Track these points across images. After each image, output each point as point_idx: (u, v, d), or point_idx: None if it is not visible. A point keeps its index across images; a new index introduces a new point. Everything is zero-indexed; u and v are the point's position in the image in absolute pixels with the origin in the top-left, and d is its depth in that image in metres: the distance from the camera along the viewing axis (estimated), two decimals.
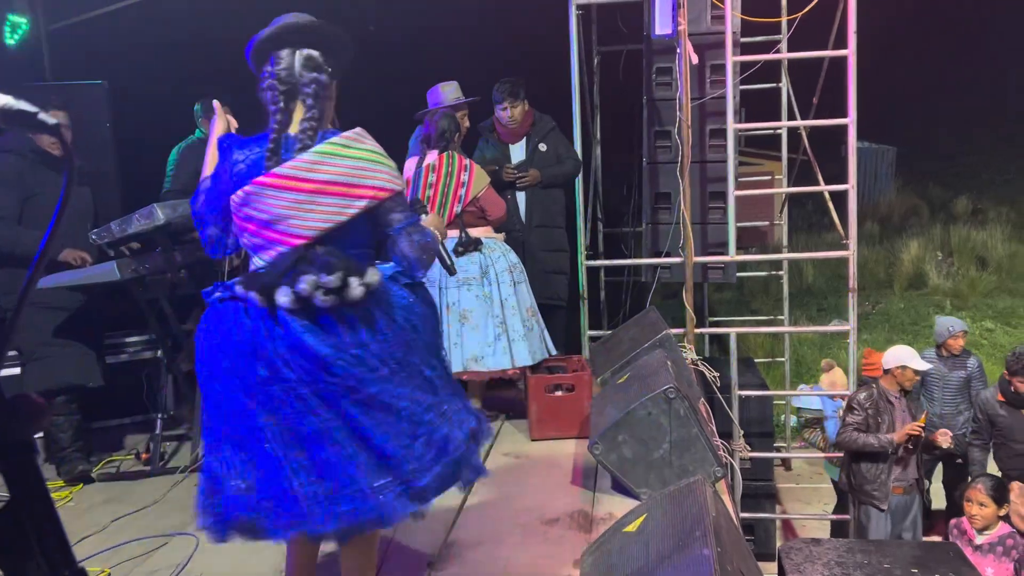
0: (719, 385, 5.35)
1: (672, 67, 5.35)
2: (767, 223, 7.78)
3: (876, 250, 16.23)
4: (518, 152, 5.28)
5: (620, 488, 3.38)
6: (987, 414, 5.34)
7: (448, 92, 4.98)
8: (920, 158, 24.45)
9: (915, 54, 27.65)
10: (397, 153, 4.76)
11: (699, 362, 5.19)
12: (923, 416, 4.87)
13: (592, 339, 5.73)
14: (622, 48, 6.82)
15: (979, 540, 4.21)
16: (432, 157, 4.47)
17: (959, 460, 5.73)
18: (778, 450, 7.30)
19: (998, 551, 4.19)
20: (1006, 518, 4.25)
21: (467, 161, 4.49)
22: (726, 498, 3.26)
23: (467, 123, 4.94)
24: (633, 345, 4.36)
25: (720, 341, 7.91)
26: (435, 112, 4.66)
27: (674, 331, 4.91)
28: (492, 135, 5.32)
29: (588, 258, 5.84)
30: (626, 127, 7.02)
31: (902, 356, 4.91)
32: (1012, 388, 5.22)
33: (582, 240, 5.77)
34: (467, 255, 4.35)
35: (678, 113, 5.13)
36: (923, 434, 4.73)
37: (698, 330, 5.45)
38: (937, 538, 5.38)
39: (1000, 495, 4.22)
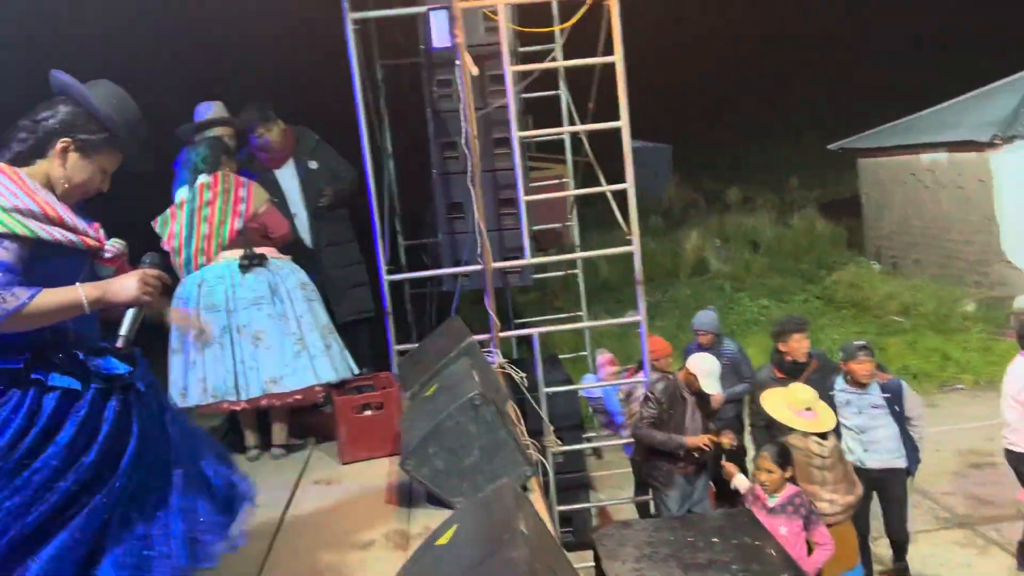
0: (527, 385, 5.48)
1: (453, 78, 5.42)
2: (560, 225, 8.07)
3: (661, 242, 17.29)
4: (287, 176, 5.15)
5: (436, 501, 3.38)
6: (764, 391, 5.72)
7: (204, 110, 4.81)
8: (694, 153, 26.32)
9: (688, 56, 29.71)
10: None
11: (506, 365, 5.29)
12: (723, 435, 5.23)
13: (400, 353, 5.70)
14: (405, 61, 6.84)
15: (771, 503, 4.57)
16: (205, 177, 4.31)
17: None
18: (588, 440, 7.57)
19: (788, 511, 4.57)
20: (792, 480, 4.64)
21: (244, 179, 4.37)
22: (538, 496, 3.34)
23: (235, 142, 4.78)
24: (439, 356, 4.37)
25: (528, 342, 8.13)
26: (198, 137, 4.51)
27: (481, 337, 4.98)
28: (252, 165, 5.13)
29: (390, 272, 5.80)
30: (419, 139, 7.05)
31: (697, 368, 5.24)
32: (786, 357, 5.69)
33: (382, 255, 5.73)
34: (254, 273, 4.20)
35: (463, 124, 5.21)
36: (711, 446, 5.13)
37: (503, 334, 5.55)
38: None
39: (784, 460, 4.60)
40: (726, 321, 12.72)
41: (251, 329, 4.14)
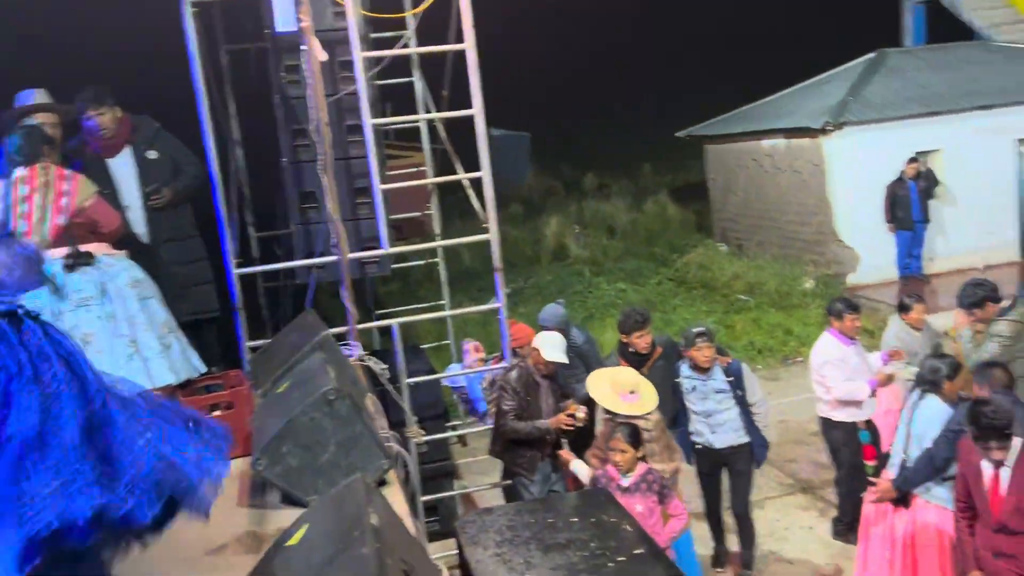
0: (388, 376, 5.42)
1: (301, 64, 5.27)
2: (420, 213, 8.00)
3: (522, 229, 17.51)
4: (121, 166, 4.87)
5: (292, 501, 3.28)
6: None
7: (24, 97, 4.48)
8: (553, 141, 26.73)
9: (543, 44, 30.06)
10: None
11: (365, 357, 5.21)
12: (571, 405, 5.33)
13: (253, 350, 5.51)
14: (251, 46, 6.59)
15: (625, 482, 4.71)
16: (21, 170, 4.00)
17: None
18: (454, 428, 7.58)
19: (642, 488, 4.73)
20: (644, 459, 4.80)
21: (68, 171, 4.08)
22: (396, 489, 3.31)
23: (60, 131, 4.47)
24: (292, 351, 4.24)
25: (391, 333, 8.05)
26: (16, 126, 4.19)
27: (340, 329, 4.88)
28: (84, 154, 4.82)
29: (239, 265, 5.59)
30: (269, 126, 6.81)
31: (538, 340, 5.32)
32: (629, 348, 5.82)
33: (230, 248, 5.51)
34: (81, 272, 3.94)
35: (313, 111, 5.07)
36: (574, 421, 5.22)
37: (361, 326, 5.46)
38: None
39: (636, 440, 4.74)
40: (585, 305, 13.06)
41: (80, 332, 3.88)
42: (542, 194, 21.67)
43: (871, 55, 14.48)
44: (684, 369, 5.66)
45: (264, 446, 3.19)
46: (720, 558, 6.04)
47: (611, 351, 6.29)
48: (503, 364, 6.00)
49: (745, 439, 5.65)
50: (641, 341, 5.79)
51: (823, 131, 12.50)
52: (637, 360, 5.76)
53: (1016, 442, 3.81)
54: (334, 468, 3.21)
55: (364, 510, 2.01)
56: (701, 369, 5.58)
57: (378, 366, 5.22)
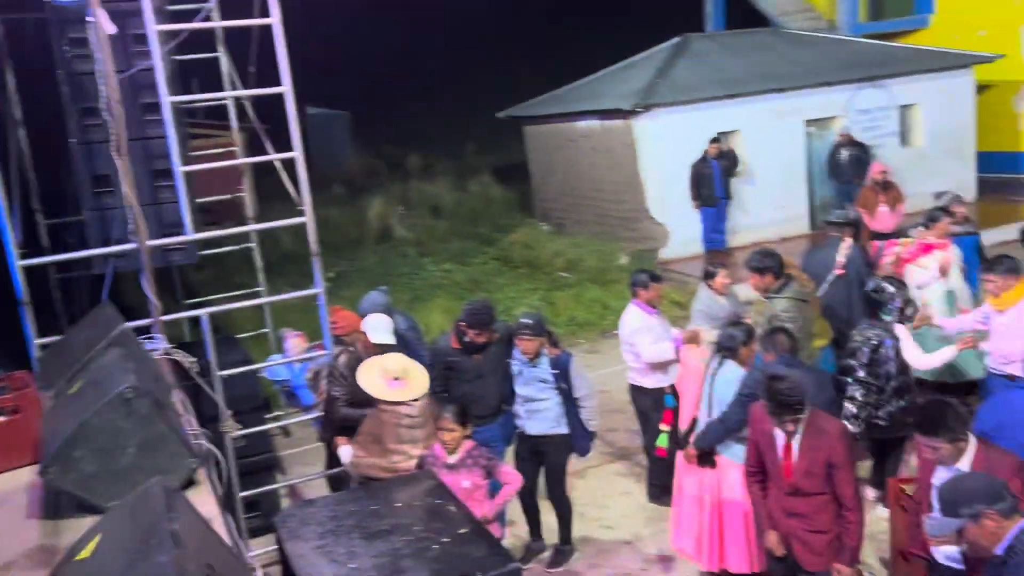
0: (198, 370, 5.15)
1: (87, 37, 4.85)
2: (231, 196, 7.63)
3: (345, 211, 17.14)
4: None
5: (88, 509, 3.04)
6: (443, 360, 5.77)
7: None
8: (374, 120, 26.31)
9: (363, 21, 29.40)
10: None
11: (171, 351, 4.92)
12: None
13: (44, 348, 5.07)
14: (29, 15, 6.00)
15: (451, 460, 4.74)
16: None
17: None
18: (276, 420, 7.33)
19: (468, 464, 4.77)
20: (469, 436, 4.84)
21: None
22: (205, 489, 3.14)
23: None
24: (86, 348, 3.93)
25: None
26: None
27: (145, 322, 4.55)
28: None
29: (25, 256, 5.11)
30: (55, 104, 6.24)
31: (365, 324, 5.20)
32: (464, 337, 5.80)
33: (12, 237, 5.02)
34: None
35: (102, 87, 4.69)
36: None
37: (165, 317, 5.15)
38: None
39: (463, 419, 4.77)
40: (412, 286, 12.98)
41: None
42: (364, 174, 21.29)
43: (676, 40, 15.20)
44: (516, 352, 5.71)
45: (54, 452, 2.94)
46: (529, 553, 6.04)
47: (439, 334, 6.24)
48: (325, 352, 5.85)
49: (562, 430, 5.71)
50: (480, 338, 5.73)
51: (633, 112, 13.01)
52: (473, 346, 5.74)
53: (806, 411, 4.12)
54: (136, 471, 3.00)
55: (163, 515, 1.88)
56: (533, 357, 5.63)
57: (186, 359, 4.96)
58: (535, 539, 6.06)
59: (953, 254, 7.11)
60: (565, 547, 6.01)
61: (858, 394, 5.63)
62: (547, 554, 6.03)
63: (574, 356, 5.82)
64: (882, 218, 10.16)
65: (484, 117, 19.50)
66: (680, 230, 13.26)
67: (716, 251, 12.91)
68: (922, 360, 5.58)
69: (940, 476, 3.62)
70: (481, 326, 5.66)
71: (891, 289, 5.75)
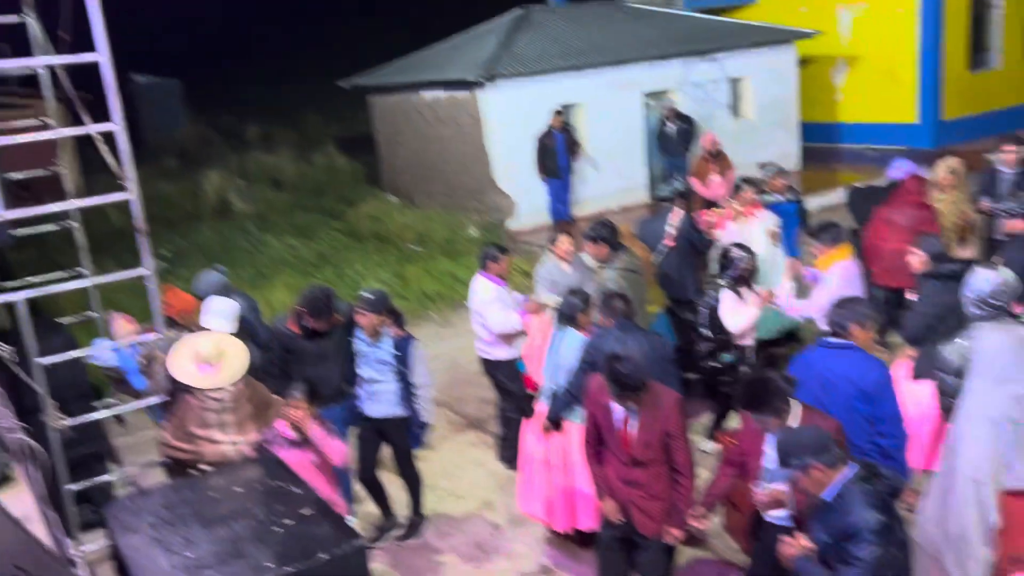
0: (17, 360, 4.80)
1: None
2: (47, 171, 7.08)
3: (179, 184, 16.32)
4: None
5: None
6: (282, 343, 5.59)
7: None
8: (209, 90, 25.10)
9: None
10: None
11: None
12: None
13: None
14: None
15: (296, 437, 4.65)
16: None
17: None
18: (107, 407, 6.93)
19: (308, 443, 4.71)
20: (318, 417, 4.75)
21: None
22: (23, 485, 2.94)
23: None
24: None
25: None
26: None
27: None
28: None
29: None
30: None
31: (204, 309, 4.98)
32: (305, 323, 5.52)
33: None
34: None
35: None
36: None
37: None
38: None
39: (311, 397, 4.68)
40: (254, 263, 12.54)
41: None
42: (199, 145, 20.31)
43: (518, 11, 15.28)
44: (359, 332, 5.61)
45: None
46: (381, 531, 5.98)
47: (279, 315, 6.03)
48: (157, 335, 5.56)
49: (402, 412, 5.69)
50: (319, 325, 5.54)
51: (478, 84, 13.02)
52: (311, 334, 5.56)
53: None
54: None
55: None
56: (372, 335, 5.56)
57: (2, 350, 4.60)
58: (385, 517, 6.03)
59: (763, 222, 7.58)
60: (417, 519, 6.04)
61: (702, 347, 5.96)
62: (398, 531, 6.02)
63: (417, 342, 5.73)
64: (714, 186, 10.67)
65: (327, 86, 18.98)
66: (527, 201, 13.44)
67: (562, 221, 13.18)
68: (730, 321, 5.90)
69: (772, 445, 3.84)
70: (318, 315, 5.48)
71: (735, 254, 6.02)
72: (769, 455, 3.81)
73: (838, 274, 5.96)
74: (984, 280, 4.46)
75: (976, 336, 4.27)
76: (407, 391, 5.62)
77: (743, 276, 6.02)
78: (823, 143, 17.32)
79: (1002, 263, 4.76)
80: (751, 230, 7.55)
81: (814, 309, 6.03)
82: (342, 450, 4.81)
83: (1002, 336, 4.09)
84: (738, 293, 6.01)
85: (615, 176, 14.03)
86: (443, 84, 13.97)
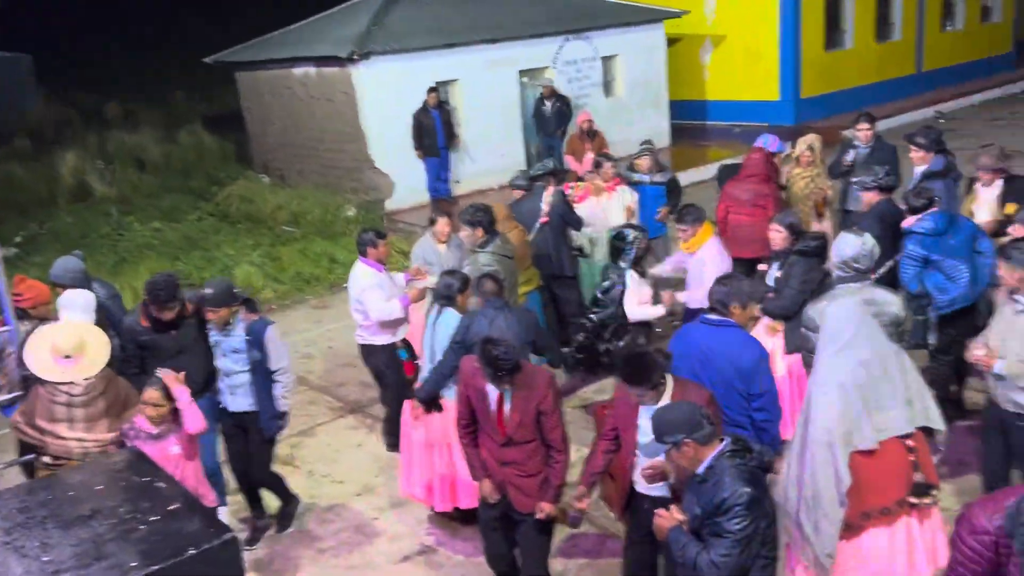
0: None
1: None
2: None
3: (32, 166, 15.33)
4: None
5: None
6: (134, 339, 5.27)
7: None
8: (64, 66, 23.59)
9: None
10: None
11: None
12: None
13: None
14: None
15: (156, 430, 4.48)
16: None
17: None
18: None
19: (175, 430, 4.57)
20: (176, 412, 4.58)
21: None
22: None
23: None
24: None
25: None
26: None
27: None
28: None
29: None
30: None
31: (61, 300, 4.71)
32: (156, 315, 5.20)
33: None
34: None
35: None
36: None
37: None
38: None
39: (169, 394, 4.50)
40: (116, 249, 11.95)
41: None
42: (55, 125, 19.10)
43: None
44: (210, 324, 5.28)
45: None
46: (257, 532, 5.75)
47: (135, 306, 5.68)
48: (6, 328, 5.21)
49: (257, 407, 5.34)
50: (164, 315, 5.19)
51: (350, 60, 12.75)
52: (162, 323, 5.23)
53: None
54: None
55: None
56: (223, 325, 5.22)
57: None
58: (258, 517, 5.79)
59: (622, 197, 7.81)
60: (288, 507, 5.81)
61: (587, 324, 6.06)
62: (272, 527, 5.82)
63: (273, 325, 5.36)
64: (589, 164, 10.84)
65: (193, 62, 18.16)
66: (405, 180, 13.30)
67: (441, 199, 13.12)
68: (636, 311, 6.02)
69: (645, 417, 3.93)
70: (160, 303, 5.11)
71: (631, 235, 6.11)
72: (643, 427, 3.92)
73: (709, 254, 6.19)
74: (848, 245, 4.81)
75: (827, 305, 4.52)
76: (263, 379, 5.27)
77: (639, 256, 6.18)
78: (692, 121, 17.89)
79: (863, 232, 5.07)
80: (610, 205, 7.79)
81: (699, 296, 6.23)
82: (197, 421, 4.58)
83: (849, 305, 4.32)
84: (641, 274, 6.16)
85: (494, 155, 14.05)
86: (314, 60, 13.61)
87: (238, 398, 5.34)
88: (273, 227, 12.82)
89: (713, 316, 4.33)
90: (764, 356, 4.22)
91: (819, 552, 4.14)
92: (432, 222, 6.73)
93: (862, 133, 7.82)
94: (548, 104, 13.26)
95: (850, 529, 4.13)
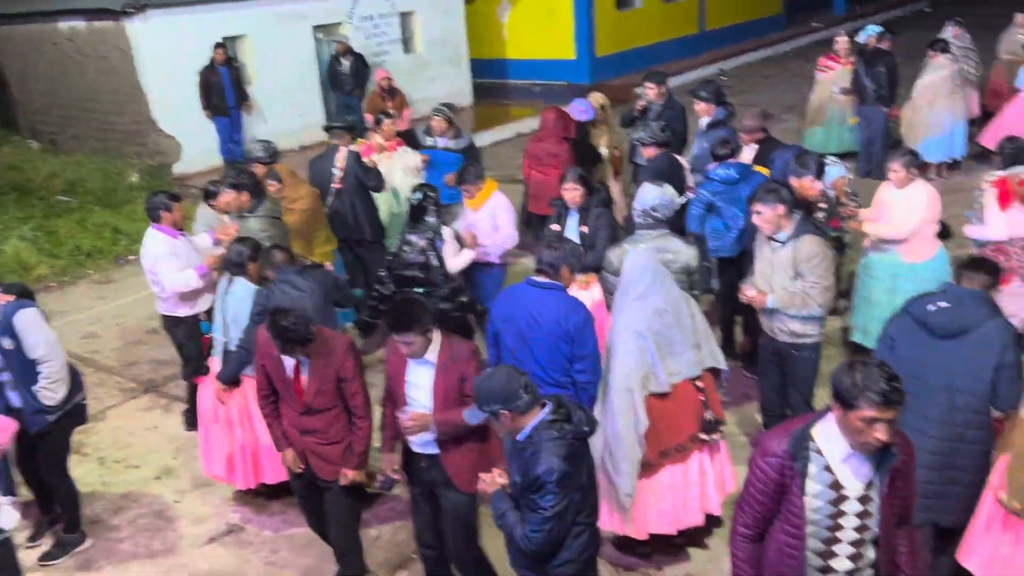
0: None
1: None
2: None
3: None
4: None
5: None
6: None
7: None
8: None
9: None
10: None
11: None
12: None
13: None
14: None
15: None
16: None
17: None
18: None
19: None
20: None
21: None
22: None
23: None
24: None
25: None
26: None
27: None
28: None
29: None
30: None
31: None
32: None
33: None
34: None
35: None
36: None
37: None
38: None
39: None
40: None
41: None
42: None
43: None
44: None
45: None
46: (41, 529, 5.29)
47: None
48: None
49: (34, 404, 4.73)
50: None
51: (125, 13, 11.73)
52: None
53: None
54: None
55: None
56: None
57: None
58: (45, 512, 5.29)
59: (403, 157, 7.74)
60: (68, 536, 5.17)
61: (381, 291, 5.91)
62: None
63: (30, 307, 4.71)
64: (401, 123, 10.63)
65: None
66: (194, 142, 12.48)
67: (235, 162, 12.44)
68: (456, 263, 5.95)
69: (413, 371, 3.91)
70: None
71: (424, 194, 5.95)
72: (412, 381, 3.90)
73: (497, 203, 6.29)
74: (650, 194, 5.04)
75: (625, 255, 4.68)
76: (23, 371, 4.67)
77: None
78: (493, 79, 17.98)
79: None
80: (392, 165, 7.66)
81: (498, 250, 6.30)
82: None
83: (645, 256, 4.51)
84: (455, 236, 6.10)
85: (291, 113, 13.48)
86: (83, 13, 12.41)
87: (7, 393, 4.73)
88: (46, 197, 11.67)
89: (541, 279, 4.34)
90: (590, 318, 4.31)
91: (620, 492, 4.34)
92: (210, 194, 6.27)
93: (651, 92, 8.12)
94: (344, 62, 12.84)
95: (648, 468, 4.35)
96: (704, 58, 18.91)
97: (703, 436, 4.40)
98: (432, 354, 3.86)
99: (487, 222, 6.30)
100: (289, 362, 4.11)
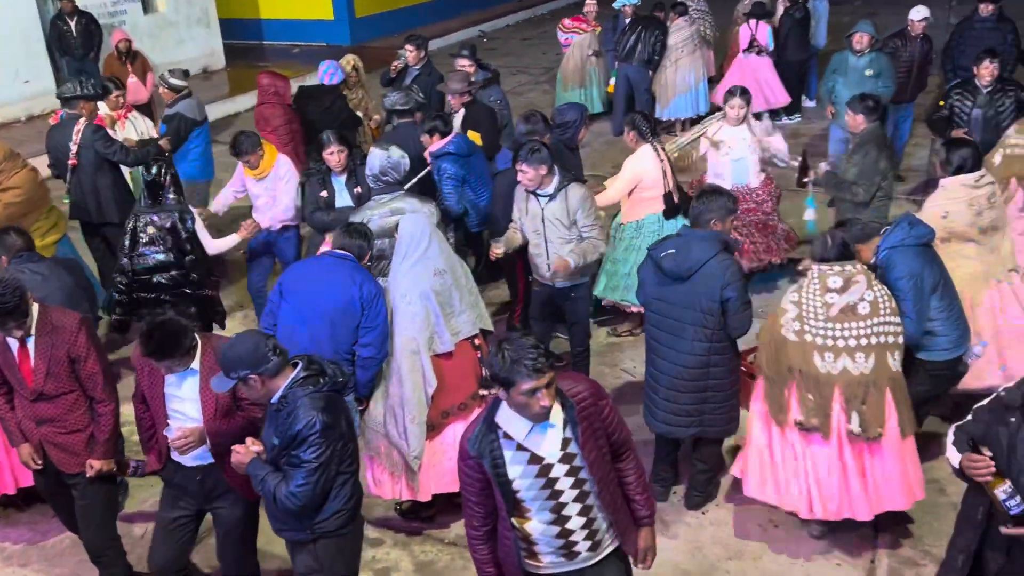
0: None
1: None
2: None
3: None
4: None
5: None
6: None
7: None
8: None
9: None
10: None
11: None
12: None
13: None
14: None
15: None
16: None
17: None
18: None
19: None
20: None
21: None
22: None
23: None
24: None
25: None
26: None
27: None
28: None
29: None
30: None
31: None
32: None
33: None
34: None
35: None
36: None
37: None
38: None
39: None
40: None
41: None
42: None
43: None
44: None
45: None
46: None
47: None
48: None
49: None
50: None
51: None
52: None
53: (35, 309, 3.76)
54: None
55: None
56: None
57: None
58: None
59: (136, 126, 7.38)
60: None
61: (163, 280, 5.38)
62: None
63: None
64: (134, 89, 9.73)
65: None
66: None
67: None
68: (214, 245, 5.56)
69: (174, 384, 3.57)
70: None
71: (157, 168, 5.45)
72: (172, 394, 3.58)
73: (285, 170, 6.05)
74: (376, 159, 5.11)
75: (401, 222, 4.62)
76: None
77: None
78: (249, 41, 17.06)
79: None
80: (126, 135, 7.16)
81: (279, 220, 6.04)
82: None
83: (421, 221, 4.50)
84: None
85: (15, 82, 12.06)
86: None
87: None
88: None
89: (339, 252, 4.33)
90: (380, 292, 4.27)
91: (409, 456, 4.34)
92: None
93: (410, 55, 8.05)
94: (70, 22, 11.53)
95: (433, 429, 4.38)
96: (465, 20, 19.01)
97: (482, 392, 4.49)
98: (195, 361, 3.52)
99: (273, 186, 5.99)
100: (14, 345, 3.74)
